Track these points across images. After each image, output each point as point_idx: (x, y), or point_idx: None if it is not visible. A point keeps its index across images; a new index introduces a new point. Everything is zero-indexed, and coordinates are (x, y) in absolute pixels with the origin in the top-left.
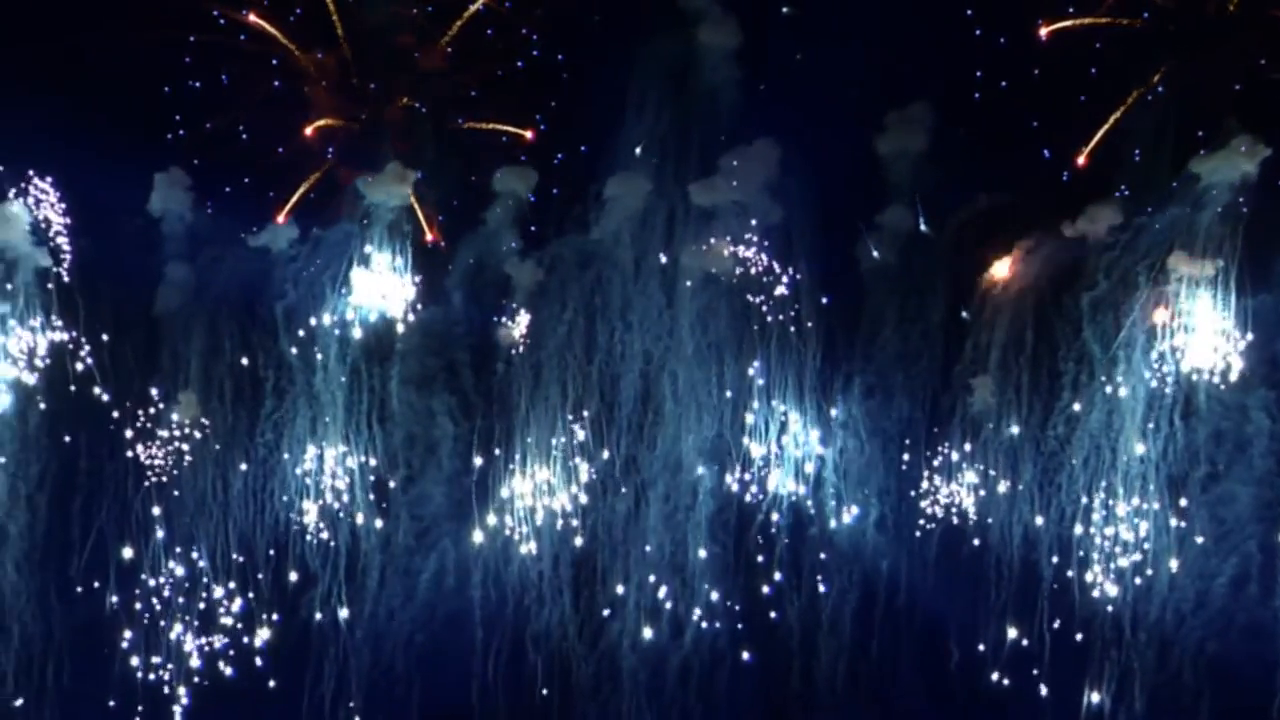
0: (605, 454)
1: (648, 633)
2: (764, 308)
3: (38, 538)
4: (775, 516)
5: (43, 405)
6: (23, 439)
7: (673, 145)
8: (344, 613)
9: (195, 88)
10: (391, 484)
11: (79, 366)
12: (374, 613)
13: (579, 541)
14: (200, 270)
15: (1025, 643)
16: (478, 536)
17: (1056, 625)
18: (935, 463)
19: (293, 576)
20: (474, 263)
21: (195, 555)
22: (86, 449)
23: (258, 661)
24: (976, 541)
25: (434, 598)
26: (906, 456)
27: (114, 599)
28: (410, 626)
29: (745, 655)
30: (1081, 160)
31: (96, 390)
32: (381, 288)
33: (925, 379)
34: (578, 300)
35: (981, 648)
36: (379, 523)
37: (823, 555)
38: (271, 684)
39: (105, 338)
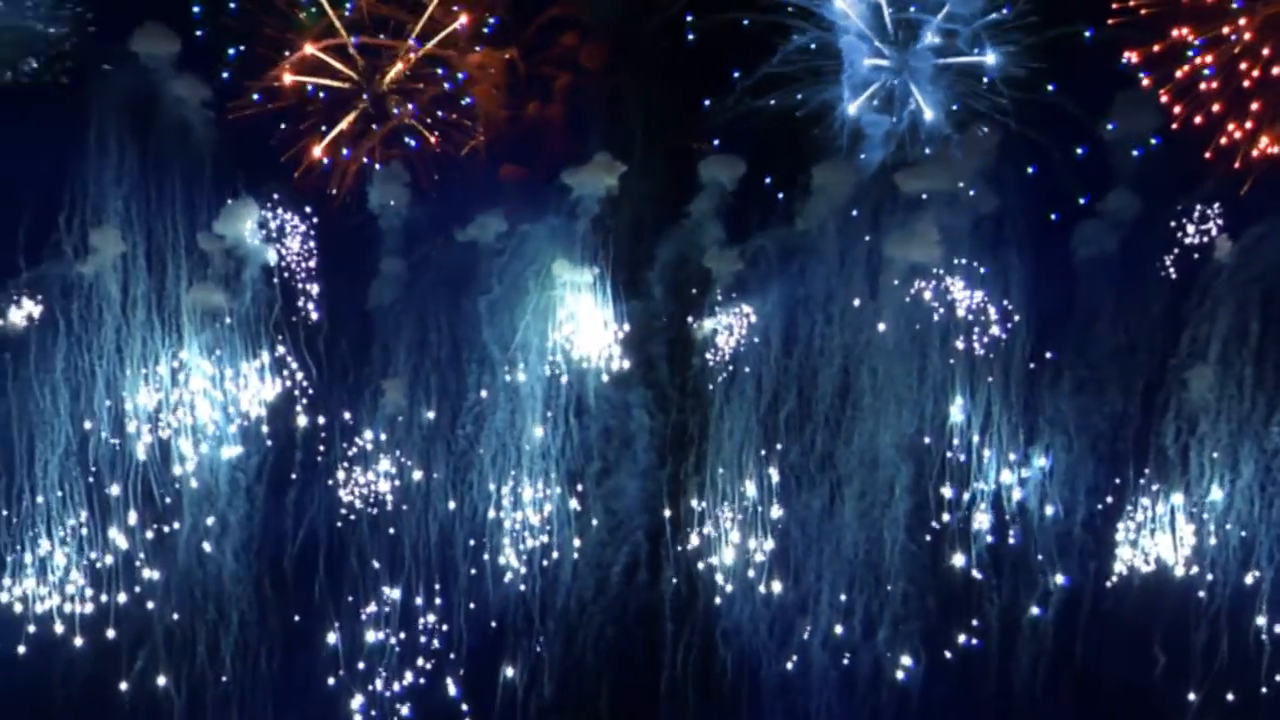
0: (800, 449)
1: (839, 631)
2: (971, 299)
3: (255, 528)
4: (976, 515)
5: (263, 397)
6: (243, 430)
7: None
8: (537, 602)
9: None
10: (586, 477)
11: (294, 361)
12: (566, 605)
13: (771, 537)
14: (412, 264)
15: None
16: (670, 530)
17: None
18: (1147, 459)
19: (486, 561)
20: (676, 255)
21: (398, 544)
22: (302, 441)
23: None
24: (1190, 550)
25: (625, 591)
26: (1117, 452)
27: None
28: (601, 619)
29: (943, 656)
30: None
31: (312, 382)
32: (582, 281)
33: (1140, 373)
34: (778, 293)
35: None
36: (573, 515)
37: (1026, 556)
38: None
39: (323, 332)
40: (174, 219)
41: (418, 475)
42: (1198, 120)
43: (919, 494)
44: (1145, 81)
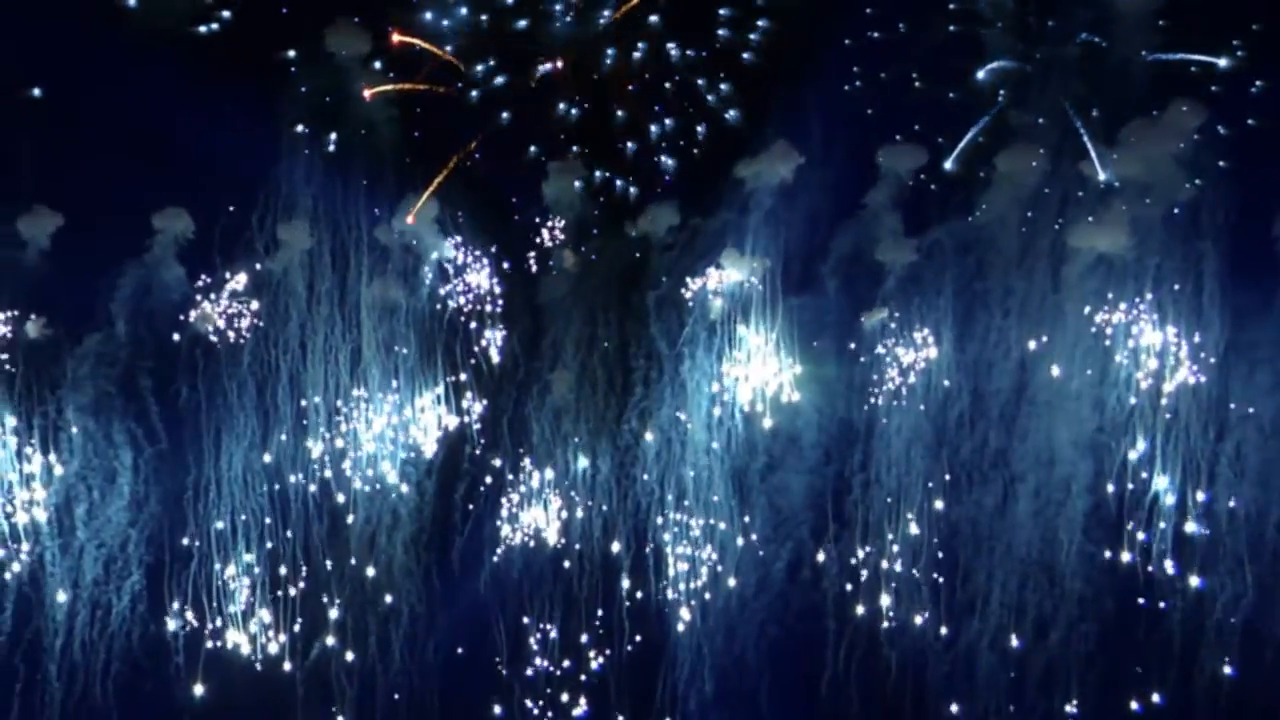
0: (972, 446)
1: (1011, 633)
2: (1158, 293)
3: (425, 521)
4: (1157, 514)
5: (437, 392)
6: (415, 439)
7: (1070, 116)
8: (698, 598)
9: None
10: (751, 472)
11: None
12: (726, 605)
13: (940, 536)
14: (584, 258)
15: None
16: (834, 527)
17: None
18: None
19: (649, 554)
20: (850, 248)
21: (561, 543)
22: (476, 434)
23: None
24: None
25: (788, 589)
26: None
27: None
28: (762, 617)
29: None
30: None
31: (483, 379)
32: (751, 274)
33: None
34: (954, 287)
35: None
36: (737, 511)
37: (1211, 556)
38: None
39: (492, 328)
40: (356, 214)
41: (583, 462)
42: None
43: (1097, 494)
44: None
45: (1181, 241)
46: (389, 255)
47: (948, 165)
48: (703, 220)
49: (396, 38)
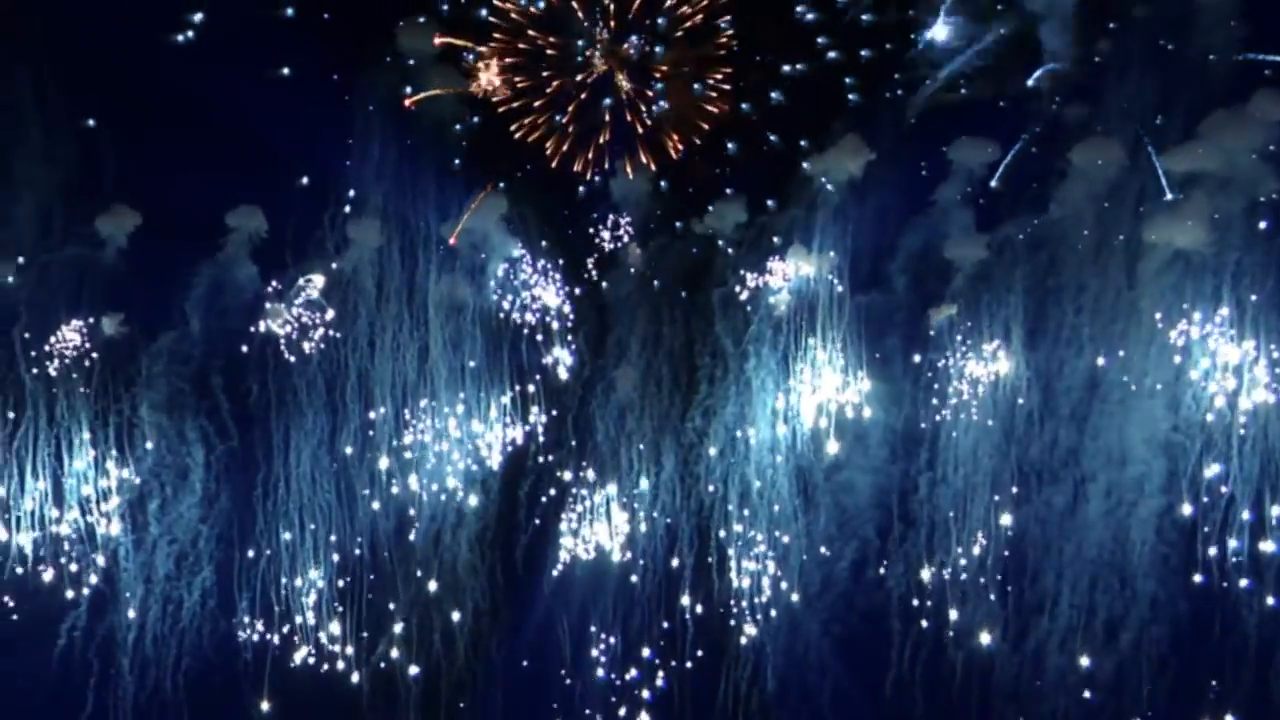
0: (1041, 446)
1: (1079, 645)
2: (1237, 290)
3: (490, 531)
4: (1231, 530)
5: (504, 401)
6: (477, 444)
7: (1148, 108)
8: (762, 597)
9: None
10: (814, 471)
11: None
12: (789, 604)
13: (1007, 536)
14: (650, 255)
15: None
16: (900, 527)
17: None
18: None
19: (712, 550)
20: (919, 244)
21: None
22: (542, 435)
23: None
24: None
25: (852, 588)
26: None
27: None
28: (826, 615)
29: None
30: None
31: (548, 378)
32: (815, 272)
33: None
34: (1025, 284)
35: None
36: (801, 510)
37: None
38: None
39: (560, 327)
40: (425, 212)
41: (647, 470)
42: None
43: (1171, 505)
44: None
45: (1264, 239)
46: (456, 254)
47: (993, 183)
48: (770, 217)
49: (438, 40)
